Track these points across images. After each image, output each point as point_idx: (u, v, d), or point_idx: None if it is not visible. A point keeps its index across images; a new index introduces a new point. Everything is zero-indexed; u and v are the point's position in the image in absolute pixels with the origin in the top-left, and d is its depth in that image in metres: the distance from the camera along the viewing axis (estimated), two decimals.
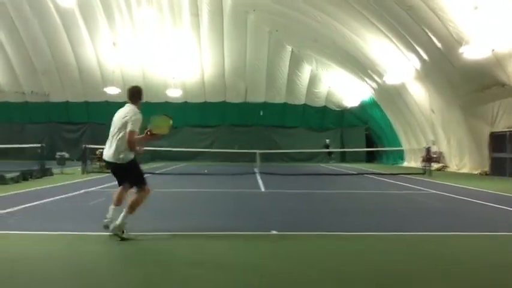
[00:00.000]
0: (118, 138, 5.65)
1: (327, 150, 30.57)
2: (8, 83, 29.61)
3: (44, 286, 3.68)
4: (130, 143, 5.59)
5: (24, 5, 26.03)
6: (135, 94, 6.18)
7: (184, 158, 29.78)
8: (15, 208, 7.81)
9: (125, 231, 5.44)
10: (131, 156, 5.70)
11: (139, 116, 5.78)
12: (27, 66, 29.62)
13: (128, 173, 5.78)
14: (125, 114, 5.78)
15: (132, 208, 5.53)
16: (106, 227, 5.49)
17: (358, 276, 4.05)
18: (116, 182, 6.00)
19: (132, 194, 5.73)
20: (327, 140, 31.35)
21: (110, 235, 5.39)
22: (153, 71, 30.07)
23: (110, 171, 5.99)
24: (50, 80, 30.15)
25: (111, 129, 5.80)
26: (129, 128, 5.60)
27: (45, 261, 4.45)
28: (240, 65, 29.49)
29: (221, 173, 18.68)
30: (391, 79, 22.25)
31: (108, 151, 5.71)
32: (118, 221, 5.40)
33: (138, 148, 5.76)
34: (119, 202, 5.75)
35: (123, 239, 5.35)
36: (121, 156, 5.62)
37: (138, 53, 28.80)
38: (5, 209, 7.66)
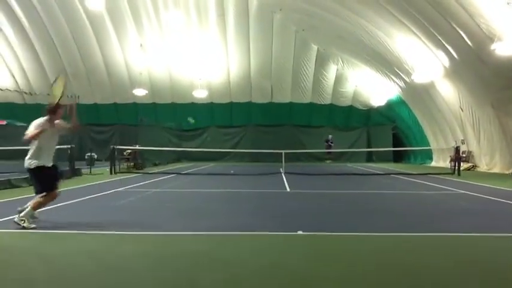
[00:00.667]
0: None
1: (328, 150, 29.37)
2: (40, 86, 30.41)
3: (79, 283, 3.77)
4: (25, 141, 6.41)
5: (55, 10, 26.72)
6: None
7: (211, 158, 29.99)
8: (47, 208, 8.02)
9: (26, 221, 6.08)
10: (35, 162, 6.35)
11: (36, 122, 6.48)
12: (58, 70, 30.37)
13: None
14: None
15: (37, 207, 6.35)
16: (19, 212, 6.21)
17: (388, 279, 4.01)
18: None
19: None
20: (330, 136, 30.37)
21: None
22: (179, 73, 30.43)
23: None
24: (79, 83, 30.85)
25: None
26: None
27: (78, 259, 4.56)
28: (265, 65, 29.53)
29: (247, 173, 18.74)
30: (419, 77, 21.88)
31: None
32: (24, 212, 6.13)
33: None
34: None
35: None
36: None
37: (165, 55, 29.20)
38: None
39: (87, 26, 27.69)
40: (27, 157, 6.38)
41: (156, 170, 20.58)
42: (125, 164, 20.62)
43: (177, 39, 28.11)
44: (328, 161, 30.08)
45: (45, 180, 6.38)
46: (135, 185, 13.01)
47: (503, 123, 18.67)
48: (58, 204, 8.44)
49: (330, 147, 29.28)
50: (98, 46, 28.93)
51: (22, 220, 6.04)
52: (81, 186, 12.51)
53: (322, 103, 31.65)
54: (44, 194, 6.32)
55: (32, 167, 6.32)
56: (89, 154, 20.34)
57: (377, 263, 4.47)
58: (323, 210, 8.40)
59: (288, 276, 4.03)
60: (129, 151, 21.14)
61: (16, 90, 29.72)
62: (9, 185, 11.24)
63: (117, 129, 31.97)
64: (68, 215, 7.49)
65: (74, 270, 4.15)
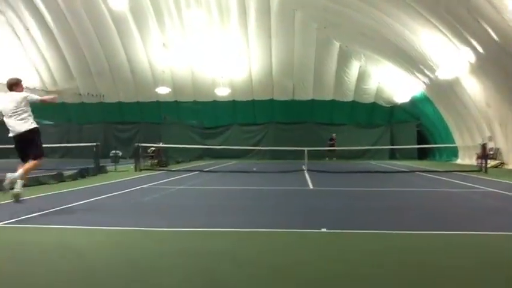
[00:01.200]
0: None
1: (331, 148, 28.40)
2: (66, 85, 31.07)
3: (107, 276, 3.86)
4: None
5: (80, 10, 27.22)
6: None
7: (234, 156, 30.10)
8: (73, 204, 8.21)
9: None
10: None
11: None
12: (84, 69, 30.97)
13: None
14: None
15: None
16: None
17: (411, 277, 3.97)
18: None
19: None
20: (333, 134, 29.92)
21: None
22: (201, 71, 30.62)
23: None
24: (104, 82, 31.37)
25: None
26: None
27: (104, 254, 4.66)
28: (287, 63, 29.47)
29: (269, 170, 18.77)
30: (443, 74, 21.52)
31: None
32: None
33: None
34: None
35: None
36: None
37: (187, 53, 29.42)
38: (62, 205, 8.06)
39: (111, 26, 28.13)
40: (25, 119, 7.12)
41: (179, 167, 20.79)
42: (149, 161, 20.87)
43: (198, 38, 28.29)
44: (327, 159, 29.38)
45: (41, 143, 7.22)
46: (159, 182, 13.17)
47: None
48: (85, 201, 8.63)
49: (333, 145, 28.82)
50: (121, 45, 29.35)
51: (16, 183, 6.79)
52: (106, 183, 12.73)
53: (344, 100, 31.40)
54: (37, 159, 7.11)
55: (36, 126, 7.14)
56: (113, 152, 20.65)
57: (400, 262, 4.43)
58: (346, 207, 8.35)
59: (311, 274, 4.03)
60: (152, 149, 21.39)
61: (43, 90, 30.34)
62: (37, 182, 11.51)
63: (141, 127, 32.38)
64: (95, 210, 7.63)
65: (103, 266, 4.24)
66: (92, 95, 31.94)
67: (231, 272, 4.02)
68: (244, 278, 3.86)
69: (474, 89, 21.18)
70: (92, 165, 15.83)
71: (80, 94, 32.01)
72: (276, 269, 4.17)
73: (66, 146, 28.52)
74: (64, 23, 28.15)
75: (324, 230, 5.91)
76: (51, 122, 31.09)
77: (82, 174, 14.23)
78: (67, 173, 13.55)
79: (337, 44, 28.13)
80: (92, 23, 28.03)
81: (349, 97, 31.25)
